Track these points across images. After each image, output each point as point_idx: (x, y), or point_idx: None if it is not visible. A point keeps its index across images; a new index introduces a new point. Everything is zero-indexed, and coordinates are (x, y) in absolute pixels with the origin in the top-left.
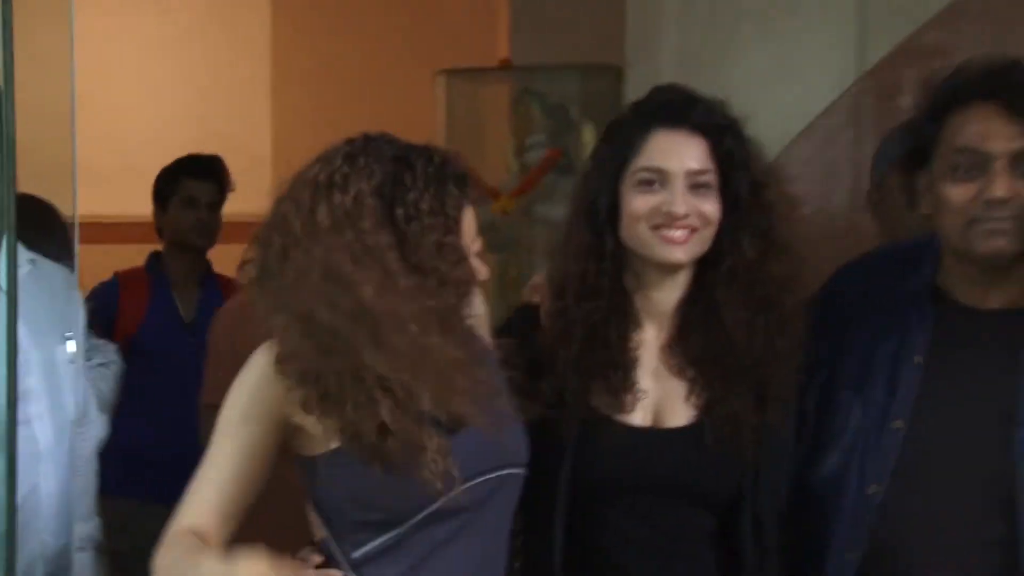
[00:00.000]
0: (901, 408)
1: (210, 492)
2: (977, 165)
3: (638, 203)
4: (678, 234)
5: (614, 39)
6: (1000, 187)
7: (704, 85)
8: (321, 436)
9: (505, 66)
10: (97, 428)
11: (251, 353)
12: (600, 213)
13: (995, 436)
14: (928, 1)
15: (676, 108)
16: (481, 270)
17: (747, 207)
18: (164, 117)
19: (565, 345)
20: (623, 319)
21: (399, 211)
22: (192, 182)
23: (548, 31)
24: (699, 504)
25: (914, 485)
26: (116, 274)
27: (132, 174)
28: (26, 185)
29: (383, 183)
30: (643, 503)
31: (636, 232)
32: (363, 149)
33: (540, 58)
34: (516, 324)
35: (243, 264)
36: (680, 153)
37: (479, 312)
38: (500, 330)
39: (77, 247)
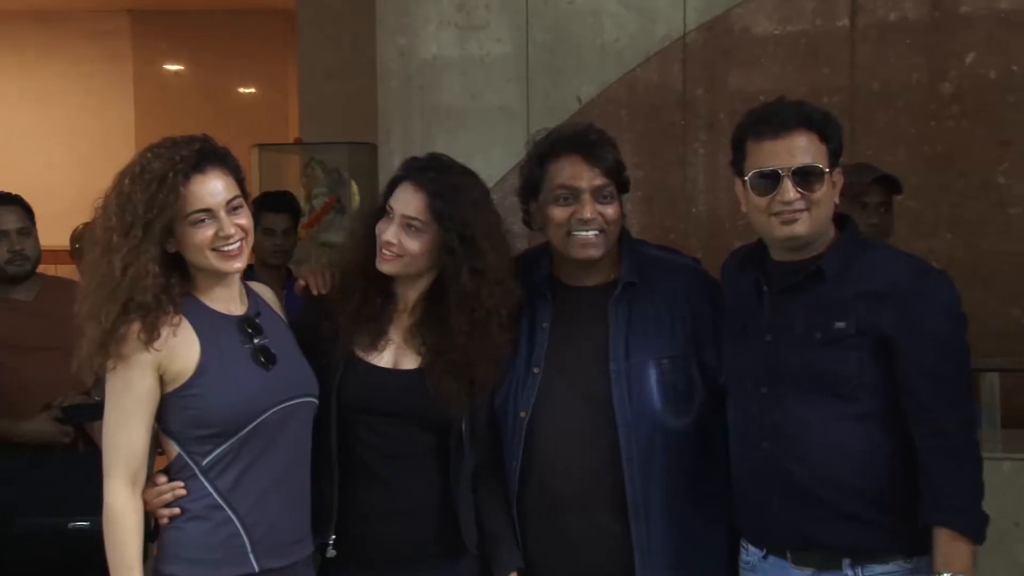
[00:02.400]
0: (537, 359)
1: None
2: (572, 196)
3: (379, 227)
4: (387, 254)
5: (371, 124)
6: (587, 211)
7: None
8: (170, 379)
9: (298, 142)
10: None
11: None
12: (371, 229)
13: (597, 370)
14: (572, 106)
15: (415, 169)
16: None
17: (464, 252)
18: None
19: (345, 305)
20: (385, 297)
21: None
22: (270, 214)
23: (327, 119)
24: (419, 425)
25: (548, 409)
26: None
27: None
28: None
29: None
30: (384, 422)
31: (377, 247)
32: None
33: (322, 137)
34: (311, 300)
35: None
36: (405, 201)
37: (269, 294)
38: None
39: None
